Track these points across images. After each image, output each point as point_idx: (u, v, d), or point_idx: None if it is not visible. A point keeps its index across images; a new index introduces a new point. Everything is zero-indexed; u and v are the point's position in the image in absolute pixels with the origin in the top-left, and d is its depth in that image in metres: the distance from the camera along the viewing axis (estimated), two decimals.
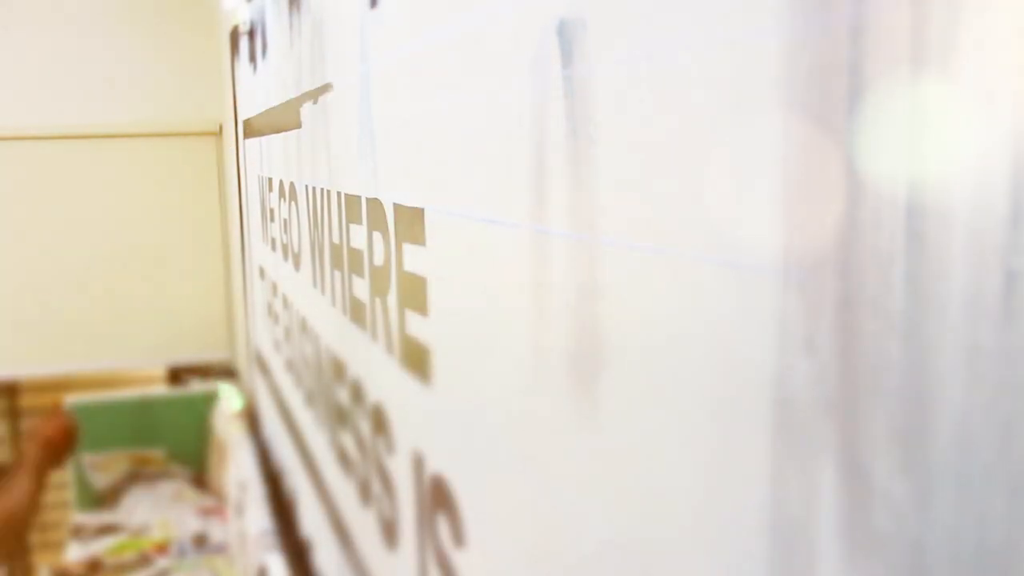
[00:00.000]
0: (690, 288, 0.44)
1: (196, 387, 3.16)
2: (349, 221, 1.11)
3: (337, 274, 1.22)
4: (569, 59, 0.53)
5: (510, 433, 0.66)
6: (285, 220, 1.66)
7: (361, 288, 1.08)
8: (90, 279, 3.08)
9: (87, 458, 2.98)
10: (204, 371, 3.26)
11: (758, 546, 0.40)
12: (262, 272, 2.14)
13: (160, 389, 3.26)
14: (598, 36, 0.50)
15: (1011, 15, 0.27)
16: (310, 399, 1.56)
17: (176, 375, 3.31)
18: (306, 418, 1.61)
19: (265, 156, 1.86)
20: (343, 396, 1.25)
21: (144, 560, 2.62)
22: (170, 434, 3.08)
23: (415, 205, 0.83)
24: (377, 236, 0.98)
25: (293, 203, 1.55)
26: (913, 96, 0.31)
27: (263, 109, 1.82)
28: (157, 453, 3.08)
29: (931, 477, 0.31)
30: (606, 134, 0.50)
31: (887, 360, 0.32)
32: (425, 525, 0.89)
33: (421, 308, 0.84)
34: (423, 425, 0.88)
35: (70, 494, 3.02)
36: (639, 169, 0.47)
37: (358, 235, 1.07)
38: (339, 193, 1.16)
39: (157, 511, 2.85)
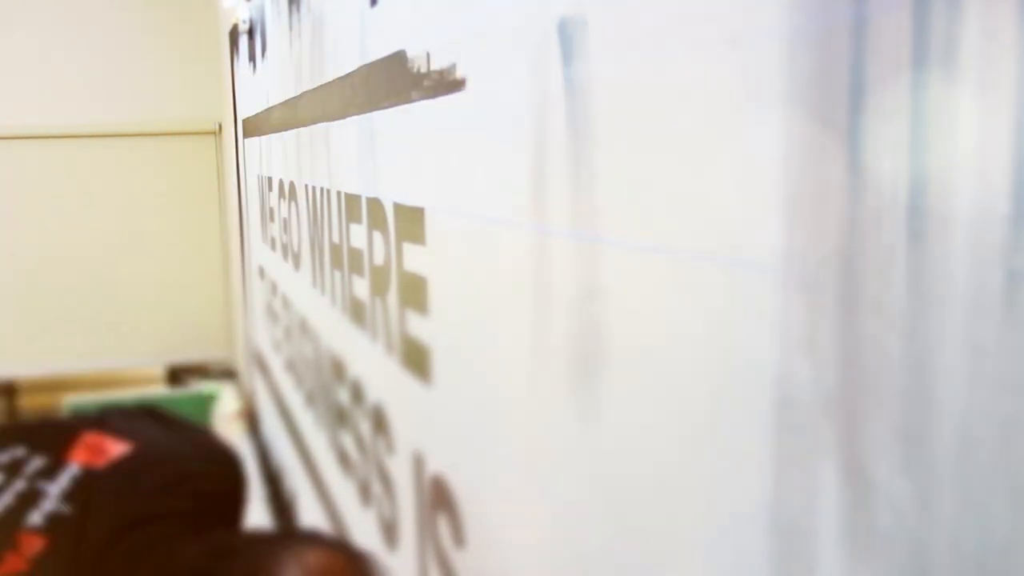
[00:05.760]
0: (691, 288, 0.44)
1: (195, 387, 3.15)
2: (349, 220, 1.11)
3: (337, 274, 1.22)
4: (570, 58, 0.53)
5: (511, 432, 0.66)
6: (285, 219, 1.66)
7: (361, 288, 1.08)
8: (89, 279, 3.08)
9: None
10: (203, 371, 3.25)
11: (759, 546, 0.40)
12: (261, 272, 2.13)
13: (159, 389, 3.26)
14: (599, 34, 0.50)
15: (1013, 13, 0.27)
16: (310, 399, 1.55)
17: (175, 375, 3.30)
18: (306, 418, 1.61)
19: (265, 155, 1.86)
20: (343, 396, 1.25)
21: None
22: None
23: (415, 204, 0.83)
24: (377, 235, 0.97)
25: (293, 202, 1.55)
26: (914, 95, 0.31)
27: (263, 108, 1.82)
28: None
29: (932, 477, 0.31)
30: (607, 133, 0.50)
31: (888, 359, 0.32)
32: (425, 525, 0.89)
33: (421, 308, 0.84)
34: (423, 425, 0.88)
35: None
36: (640, 168, 0.47)
37: (358, 234, 1.07)
38: (339, 192, 1.16)
39: None
